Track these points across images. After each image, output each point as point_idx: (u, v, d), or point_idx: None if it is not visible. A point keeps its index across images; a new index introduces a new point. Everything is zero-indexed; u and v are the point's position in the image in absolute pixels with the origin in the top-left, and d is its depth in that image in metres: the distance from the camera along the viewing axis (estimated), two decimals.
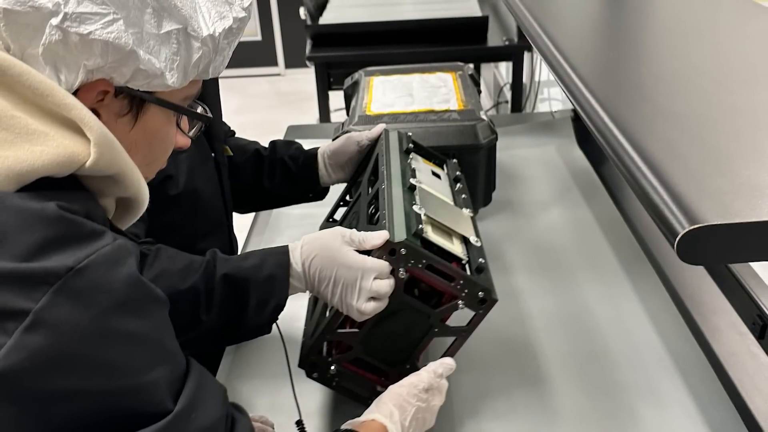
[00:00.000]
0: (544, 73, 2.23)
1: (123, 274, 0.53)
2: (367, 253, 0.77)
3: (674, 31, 1.10)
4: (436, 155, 1.10)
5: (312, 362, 0.83)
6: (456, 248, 0.84)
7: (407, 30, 2.25)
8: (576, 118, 1.72)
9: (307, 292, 0.81)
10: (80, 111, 0.54)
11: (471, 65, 1.61)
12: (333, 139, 1.11)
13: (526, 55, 2.28)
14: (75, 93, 0.56)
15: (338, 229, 0.80)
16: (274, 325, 0.81)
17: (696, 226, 0.51)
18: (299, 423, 0.82)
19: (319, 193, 1.13)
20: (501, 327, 1.01)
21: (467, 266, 0.83)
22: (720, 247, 0.52)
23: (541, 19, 1.16)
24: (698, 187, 0.57)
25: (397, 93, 1.42)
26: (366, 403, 0.77)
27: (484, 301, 0.80)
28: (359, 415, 0.75)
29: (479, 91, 1.48)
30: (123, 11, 0.55)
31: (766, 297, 0.88)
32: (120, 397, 0.52)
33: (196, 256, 0.80)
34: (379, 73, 1.55)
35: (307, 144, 1.15)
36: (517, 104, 2.33)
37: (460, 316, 0.82)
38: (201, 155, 1.00)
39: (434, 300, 0.82)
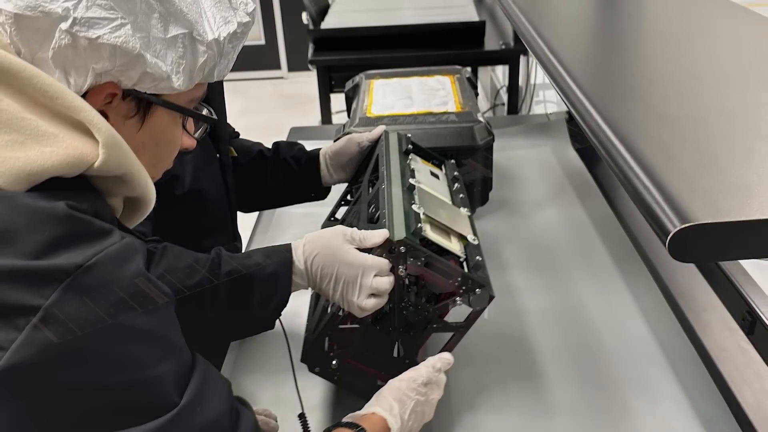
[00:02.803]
0: (539, 76, 2.24)
1: (130, 271, 0.54)
2: (368, 251, 0.79)
3: (666, 35, 1.12)
4: (434, 156, 1.11)
5: (314, 357, 0.84)
6: (454, 246, 0.85)
7: (407, 34, 2.27)
8: (570, 120, 1.74)
9: (309, 289, 0.82)
10: (89, 113, 0.55)
11: (468, 68, 1.63)
12: (334, 141, 1.12)
13: (522, 59, 2.30)
14: (84, 96, 0.57)
15: (339, 228, 0.81)
16: (277, 321, 0.81)
17: (687, 225, 0.52)
18: (301, 416, 0.83)
19: (321, 193, 1.14)
20: (498, 323, 1.02)
21: (465, 264, 0.85)
22: (710, 246, 0.53)
23: (537, 24, 1.18)
24: (689, 187, 0.58)
25: (397, 96, 1.43)
26: (366, 396, 0.78)
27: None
28: (360, 409, 0.76)
29: (476, 94, 1.50)
30: (130, 16, 0.56)
31: (755, 294, 0.90)
32: (127, 391, 0.53)
33: (202, 254, 0.81)
34: (380, 77, 1.56)
35: (309, 145, 1.15)
36: (513, 106, 2.34)
37: (458, 312, 0.83)
38: (206, 156, 1.02)
39: (433, 296, 0.84)
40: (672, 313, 1.05)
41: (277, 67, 5.05)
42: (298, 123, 1.98)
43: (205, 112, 0.70)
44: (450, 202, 0.97)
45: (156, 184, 0.64)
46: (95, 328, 0.51)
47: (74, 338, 0.50)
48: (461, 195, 1.01)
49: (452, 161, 1.14)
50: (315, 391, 0.93)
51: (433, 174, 1.05)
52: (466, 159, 1.22)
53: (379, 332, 0.82)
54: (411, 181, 0.92)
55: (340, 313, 0.80)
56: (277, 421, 0.85)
